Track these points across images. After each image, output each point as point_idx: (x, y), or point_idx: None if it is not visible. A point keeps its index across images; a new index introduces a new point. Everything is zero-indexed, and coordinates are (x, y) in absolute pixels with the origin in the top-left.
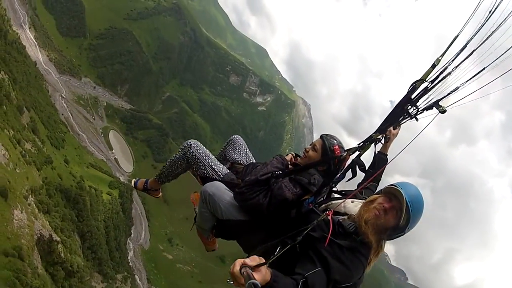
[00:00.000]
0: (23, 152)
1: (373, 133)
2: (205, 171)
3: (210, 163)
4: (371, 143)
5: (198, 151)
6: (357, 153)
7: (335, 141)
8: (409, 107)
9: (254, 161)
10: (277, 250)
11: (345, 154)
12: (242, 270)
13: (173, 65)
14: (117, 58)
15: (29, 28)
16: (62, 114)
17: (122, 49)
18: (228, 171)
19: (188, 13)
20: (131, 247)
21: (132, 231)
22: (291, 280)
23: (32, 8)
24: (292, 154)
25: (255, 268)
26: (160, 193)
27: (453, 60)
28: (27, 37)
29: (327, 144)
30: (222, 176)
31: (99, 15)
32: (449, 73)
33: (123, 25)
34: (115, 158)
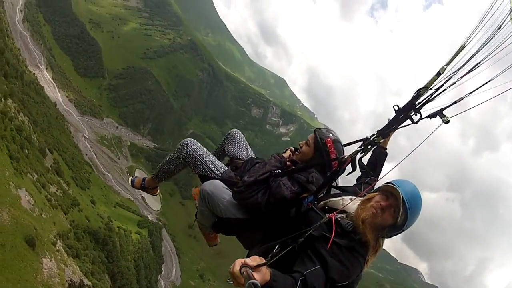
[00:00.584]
0: (48, 196)
1: (375, 136)
2: (202, 170)
3: (207, 162)
4: (373, 146)
5: (195, 149)
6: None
7: (329, 134)
8: (412, 113)
9: (253, 155)
10: (278, 251)
11: (346, 157)
12: (242, 270)
13: (194, 102)
14: (137, 97)
15: (46, 68)
16: (86, 155)
17: (142, 88)
18: (227, 168)
19: (204, 49)
20: (162, 284)
21: (162, 268)
22: (290, 278)
23: (47, 48)
24: (290, 150)
25: (255, 268)
26: (158, 191)
27: (458, 70)
28: (45, 78)
29: (318, 137)
30: (220, 174)
31: (115, 55)
32: (454, 83)
33: (141, 64)
34: (142, 196)
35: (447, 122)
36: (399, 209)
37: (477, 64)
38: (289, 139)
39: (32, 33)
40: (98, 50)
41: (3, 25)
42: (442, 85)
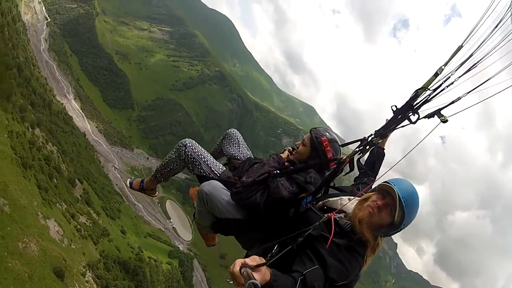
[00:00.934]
0: (78, 226)
1: (373, 137)
2: (201, 170)
3: (206, 162)
4: (371, 147)
5: (194, 150)
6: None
7: (325, 133)
8: (410, 113)
9: (251, 155)
10: (277, 251)
11: (344, 158)
12: (242, 270)
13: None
14: (167, 128)
15: (74, 98)
16: (116, 185)
17: (172, 119)
18: (225, 168)
19: (233, 79)
20: None
21: None
22: (289, 278)
23: (75, 79)
24: (288, 150)
25: (255, 268)
26: (157, 192)
27: (456, 70)
28: (73, 108)
29: (314, 136)
30: (218, 174)
31: (144, 87)
32: (452, 83)
33: (170, 95)
34: (173, 227)
35: (445, 121)
36: (395, 208)
37: (475, 63)
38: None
39: (58, 62)
40: (126, 81)
41: (28, 54)
42: (440, 85)
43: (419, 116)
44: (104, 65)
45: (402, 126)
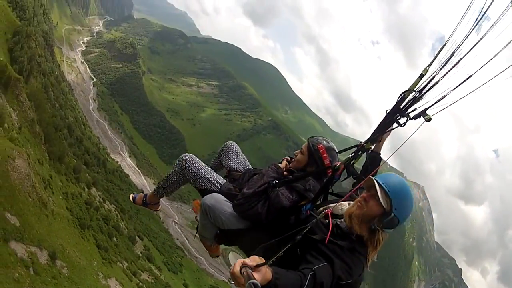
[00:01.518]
0: (140, 283)
1: (364, 143)
2: (202, 184)
3: (206, 176)
4: (363, 152)
5: (194, 164)
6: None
7: (321, 141)
8: (399, 116)
9: (250, 166)
10: (278, 250)
11: (339, 165)
12: (242, 270)
13: None
14: None
15: (129, 156)
16: (177, 239)
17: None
18: (225, 181)
19: (286, 127)
20: None
21: None
22: (297, 273)
23: (128, 137)
24: (286, 160)
25: (255, 268)
26: (160, 207)
27: (440, 69)
28: (129, 165)
29: (311, 144)
30: (219, 187)
31: (199, 142)
32: (437, 82)
33: None
34: None
35: (428, 120)
36: (379, 195)
37: (457, 61)
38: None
39: (109, 121)
40: (181, 137)
41: (77, 114)
42: (425, 86)
43: (407, 118)
44: (156, 123)
45: (392, 129)
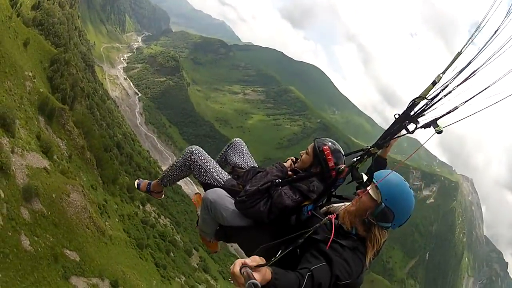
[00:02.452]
0: None
1: (370, 147)
2: (206, 178)
3: (211, 170)
4: (369, 157)
5: (200, 157)
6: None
7: (327, 143)
8: (408, 123)
9: (255, 164)
10: (279, 253)
11: (343, 167)
12: (242, 270)
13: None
14: None
15: None
16: (231, 246)
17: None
18: (229, 177)
19: (336, 128)
20: None
21: None
22: (294, 274)
23: (178, 149)
24: (291, 159)
25: (255, 268)
26: (163, 195)
27: (454, 78)
28: None
29: (316, 145)
30: (223, 182)
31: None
32: (450, 92)
33: (277, 154)
34: None
35: (439, 132)
36: (369, 188)
37: (473, 71)
38: (433, 200)
39: (158, 134)
40: None
41: (125, 129)
42: (438, 94)
43: (416, 126)
44: (206, 133)
45: (400, 136)
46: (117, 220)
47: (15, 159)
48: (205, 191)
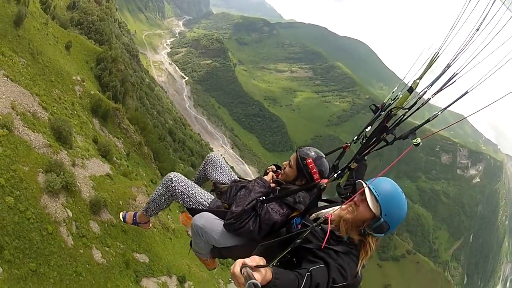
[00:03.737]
0: None
1: (349, 163)
2: (190, 203)
3: (194, 194)
4: (349, 171)
5: (180, 184)
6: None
7: (310, 154)
8: (386, 135)
9: (235, 177)
10: (279, 254)
11: (325, 185)
12: (242, 270)
13: (386, 161)
14: (330, 164)
15: (232, 148)
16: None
17: (334, 155)
18: (213, 197)
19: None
20: None
21: None
22: (295, 274)
23: (228, 129)
24: (271, 170)
25: (255, 268)
26: (150, 225)
27: (431, 86)
28: (232, 157)
29: (299, 158)
30: (208, 204)
31: (300, 128)
32: (429, 99)
33: (327, 131)
34: None
35: (417, 144)
36: (369, 200)
37: (452, 76)
38: (479, 180)
39: (208, 116)
40: (281, 124)
41: (175, 115)
42: (415, 103)
43: (395, 137)
44: (255, 112)
45: (379, 149)
46: (177, 211)
47: (77, 172)
48: (192, 215)
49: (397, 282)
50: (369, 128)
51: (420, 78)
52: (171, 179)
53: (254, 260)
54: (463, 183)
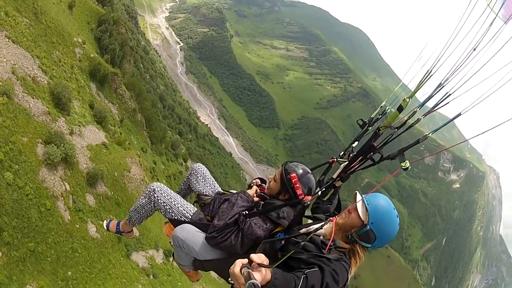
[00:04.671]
0: None
1: (334, 180)
2: (172, 214)
3: (176, 206)
4: (333, 189)
5: (163, 194)
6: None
7: (295, 169)
8: (373, 154)
9: (219, 189)
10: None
11: (309, 202)
12: (242, 270)
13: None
14: (314, 147)
15: (219, 118)
16: None
17: (318, 138)
18: (196, 209)
19: (376, 95)
20: None
21: None
22: (291, 275)
23: (217, 99)
24: (255, 184)
25: (258, 266)
26: (133, 234)
27: (421, 106)
28: (217, 127)
29: (284, 173)
30: (190, 216)
31: (288, 106)
32: (418, 120)
33: (315, 114)
34: None
35: (405, 168)
36: (359, 207)
37: (444, 96)
38: (459, 186)
39: (198, 84)
40: (270, 101)
41: (167, 80)
42: (404, 123)
43: (382, 156)
44: (246, 86)
45: (366, 168)
46: (164, 181)
47: (75, 141)
48: (173, 226)
49: (367, 274)
50: (356, 143)
51: (410, 97)
52: (154, 189)
53: (261, 258)
54: (443, 186)
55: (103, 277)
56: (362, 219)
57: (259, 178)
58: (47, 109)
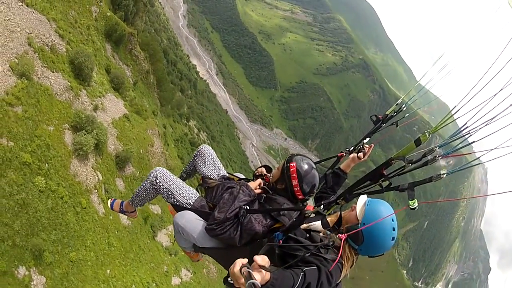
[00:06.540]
0: None
1: (337, 198)
2: (174, 200)
3: (178, 191)
4: (337, 206)
5: (165, 180)
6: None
7: (296, 159)
8: (382, 181)
9: (225, 172)
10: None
11: (310, 212)
12: (242, 270)
13: (363, 124)
14: (309, 112)
15: (217, 74)
16: (252, 162)
17: (314, 104)
18: (198, 195)
19: (376, 69)
20: None
21: None
22: (290, 272)
23: (217, 55)
24: (261, 173)
25: (259, 267)
26: (136, 215)
27: (441, 147)
28: (215, 83)
29: (286, 160)
30: (192, 203)
31: (288, 69)
32: (435, 158)
33: (313, 79)
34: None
35: (413, 208)
36: (358, 207)
37: (466, 135)
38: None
39: (199, 38)
40: (270, 61)
41: (170, 34)
42: (420, 159)
43: (390, 184)
44: (247, 44)
45: (371, 192)
46: (173, 146)
47: (100, 118)
48: (176, 211)
49: None
50: (367, 139)
51: (430, 132)
52: (157, 175)
53: (264, 260)
54: (431, 170)
55: (136, 266)
56: (358, 217)
57: (264, 166)
58: (68, 83)
